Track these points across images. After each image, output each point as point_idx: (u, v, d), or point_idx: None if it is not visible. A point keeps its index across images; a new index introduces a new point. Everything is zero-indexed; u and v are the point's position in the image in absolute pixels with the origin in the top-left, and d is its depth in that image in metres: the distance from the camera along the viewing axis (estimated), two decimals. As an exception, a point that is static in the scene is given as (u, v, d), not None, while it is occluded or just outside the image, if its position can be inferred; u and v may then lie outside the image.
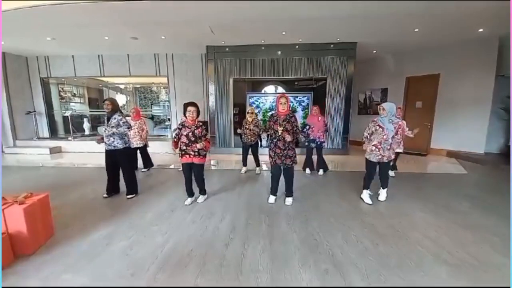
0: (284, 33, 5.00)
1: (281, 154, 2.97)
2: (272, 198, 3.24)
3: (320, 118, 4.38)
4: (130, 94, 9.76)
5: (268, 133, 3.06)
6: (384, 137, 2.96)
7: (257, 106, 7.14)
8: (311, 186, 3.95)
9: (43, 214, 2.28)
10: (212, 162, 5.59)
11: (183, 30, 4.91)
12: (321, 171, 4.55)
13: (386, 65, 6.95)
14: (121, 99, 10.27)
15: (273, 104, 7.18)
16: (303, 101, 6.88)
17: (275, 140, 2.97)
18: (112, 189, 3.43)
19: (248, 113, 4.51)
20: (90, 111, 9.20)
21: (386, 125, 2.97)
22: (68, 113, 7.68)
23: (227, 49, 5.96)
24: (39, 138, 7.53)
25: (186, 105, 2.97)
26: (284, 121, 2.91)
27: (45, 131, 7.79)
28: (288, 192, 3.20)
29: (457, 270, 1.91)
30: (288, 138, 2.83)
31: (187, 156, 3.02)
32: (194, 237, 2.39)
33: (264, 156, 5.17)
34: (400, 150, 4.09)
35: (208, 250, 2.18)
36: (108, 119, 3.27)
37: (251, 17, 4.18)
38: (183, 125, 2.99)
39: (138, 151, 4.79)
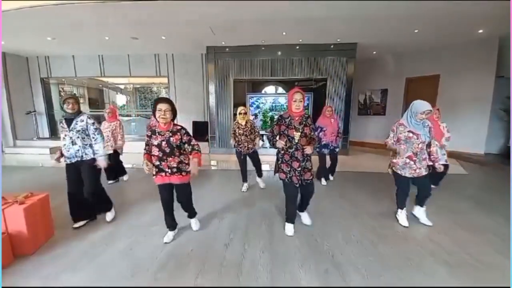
0: (284, 33, 5.01)
1: (299, 169, 2.27)
2: (290, 229, 2.45)
3: (333, 120, 3.85)
4: (130, 94, 9.77)
5: (277, 144, 2.25)
6: (420, 145, 2.38)
7: (257, 107, 7.14)
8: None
9: (43, 214, 2.28)
10: (212, 162, 5.59)
11: (183, 30, 4.91)
12: (331, 177, 4.21)
13: (386, 66, 6.95)
14: (121, 99, 10.29)
15: (274, 104, 7.17)
16: (303, 102, 6.88)
17: (291, 151, 2.26)
18: (87, 212, 2.66)
19: (239, 114, 3.48)
20: (90, 111, 9.20)
21: (421, 130, 2.37)
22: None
23: (227, 49, 5.97)
24: (39, 138, 7.53)
25: (156, 102, 2.09)
26: (300, 124, 2.24)
27: (45, 131, 7.78)
28: (305, 206, 2.61)
29: (457, 270, 1.91)
30: (309, 150, 2.20)
31: (162, 174, 2.15)
32: (194, 237, 2.39)
33: (266, 156, 5.19)
34: (444, 161, 3.30)
35: (208, 250, 2.18)
36: (69, 122, 2.45)
37: (251, 17, 4.18)
38: (153, 131, 2.14)
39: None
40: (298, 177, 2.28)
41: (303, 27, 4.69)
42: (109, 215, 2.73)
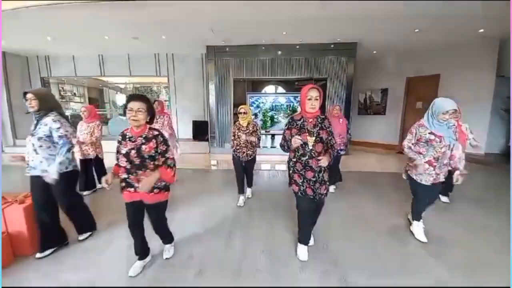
0: (284, 33, 5.00)
1: (314, 180, 1.91)
2: (303, 252, 2.08)
3: (342, 120, 3.51)
4: (130, 93, 9.77)
5: (293, 141, 1.84)
6: (442, 149, 2.09)
7: (257, 106, 7.13)
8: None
9: (43, 214, 2.27)
10: (212, 162, 5.59)
11: (183, 30, 4.90)
12: (332, 188, 3.60)
13: (386, 65, 6.93)
14: (121, 99, 10.28)
15: (274, 104, 7.15)
16: (303, 101, 6.87)
17: (304, 159, 1.89)
18: (55, 236, 2.16)
19: (240, 113, 3.00)
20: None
21: (445, 132, 2.08)
22: (68, 113, 7.68)
23: (227, 49, 5.96)
24: (39, 137, 7.51)
25: (127, 100, 1.68)
26: (315, 127, 1.88)
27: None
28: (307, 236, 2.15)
29: (457, 270, 1.91)
30: (325, 162, 1.80)
31: (130, 190, 1.73)
32: (194, 237, 2.39)
33: (266, 156, 5.18)
34: (461, 167, 2.71)
35: (208, 250, 2.18)
36: (37, 123, 1.99)
37: (251, 17, 4.17)
38: (123, 136, 1.73)
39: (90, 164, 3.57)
40: (312, 189, 1.92)
41: (303, 27, 4.69)
42: (84, 236, 2.33)
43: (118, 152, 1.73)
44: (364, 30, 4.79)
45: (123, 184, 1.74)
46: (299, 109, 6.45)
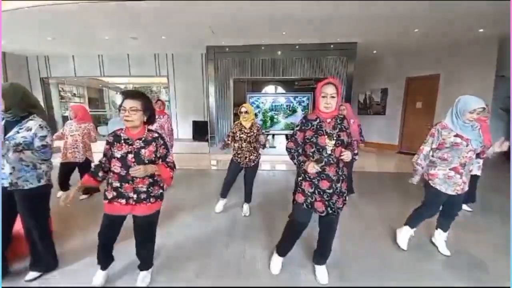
0: (284, 33, 5.00)
1: (331, 192, 1.60)
2: (277, 264, 1.92)
3: (353, 121, 3.03)
4: (130, 94, 9.77)
5: (309, 169, 1.55)
6: (469, 154, 1.86)
7: (257, 106, 7.12)
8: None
9: (43, 214, 2.26)
10: (212, 162, 5.60)
11: (183, 30, 4.91)
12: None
13: (386, 65, 6.94)
14: (120, 99, 10.28)
15: (274, 104, 7.15)
16: (303, 101, 6.87)
17: (320, 165, 1.56)
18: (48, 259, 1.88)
19: (241, 112, 2.68)
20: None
21: (470, 134, 1.85)
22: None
23: (227, 49, 5.96)
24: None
25: (123, 97, 1.52)
26: (334, 128, 1.60)
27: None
28: (325, 255, 1.83)
29: (457, 270, 1.91)
30: (348, 156, 1.55)
31: (122, 202, 1.54)
32: (194, 237, 2.39)
33: (266, 156, 5.18)
34: (478, 173, 2.72)
35: (208, 250, 2.18)
36: (11, 126, 1.59)
37: (251, 17, 4.18)
38: (116, 137, 1.53)
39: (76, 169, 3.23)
40: (323, 203, 1.61)
41: (303, 27, 4.69)
42: (32, 274, 1.79)
43: (106, 155, 1.54)
44: (364, 30, 4.79)
45: (113, 193, 1.53)
46: (298, 109, 6.30)
